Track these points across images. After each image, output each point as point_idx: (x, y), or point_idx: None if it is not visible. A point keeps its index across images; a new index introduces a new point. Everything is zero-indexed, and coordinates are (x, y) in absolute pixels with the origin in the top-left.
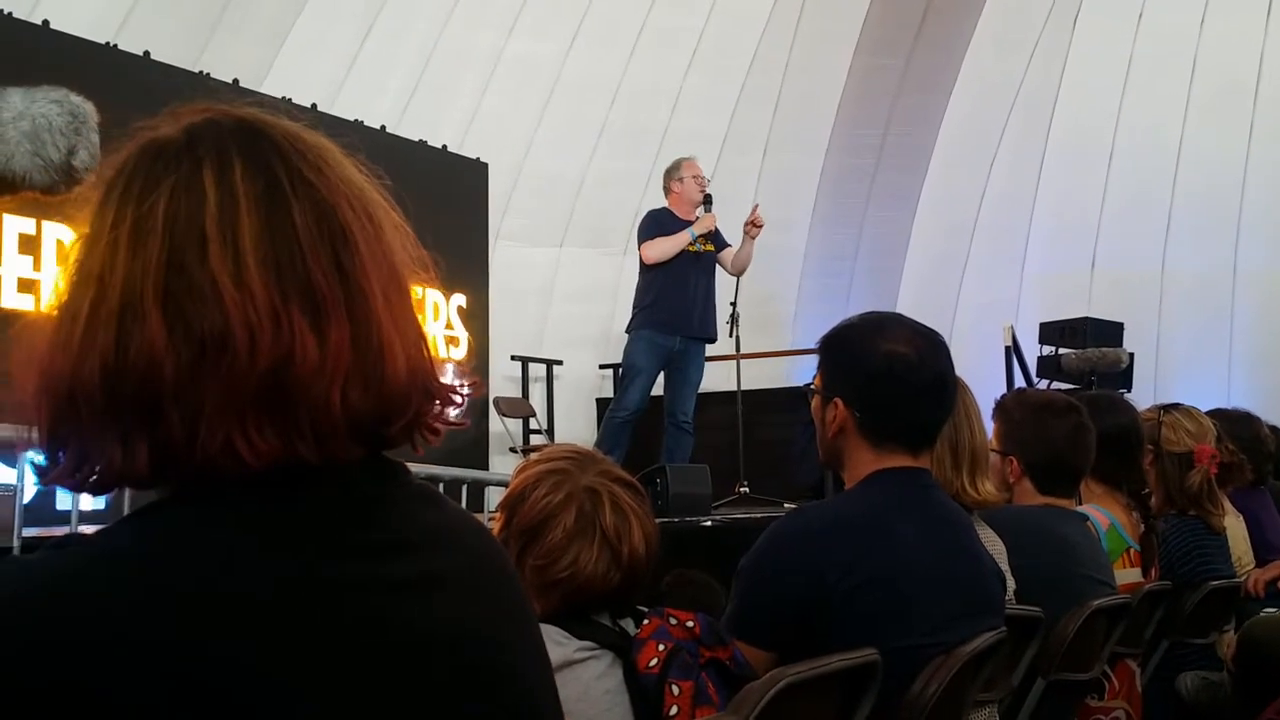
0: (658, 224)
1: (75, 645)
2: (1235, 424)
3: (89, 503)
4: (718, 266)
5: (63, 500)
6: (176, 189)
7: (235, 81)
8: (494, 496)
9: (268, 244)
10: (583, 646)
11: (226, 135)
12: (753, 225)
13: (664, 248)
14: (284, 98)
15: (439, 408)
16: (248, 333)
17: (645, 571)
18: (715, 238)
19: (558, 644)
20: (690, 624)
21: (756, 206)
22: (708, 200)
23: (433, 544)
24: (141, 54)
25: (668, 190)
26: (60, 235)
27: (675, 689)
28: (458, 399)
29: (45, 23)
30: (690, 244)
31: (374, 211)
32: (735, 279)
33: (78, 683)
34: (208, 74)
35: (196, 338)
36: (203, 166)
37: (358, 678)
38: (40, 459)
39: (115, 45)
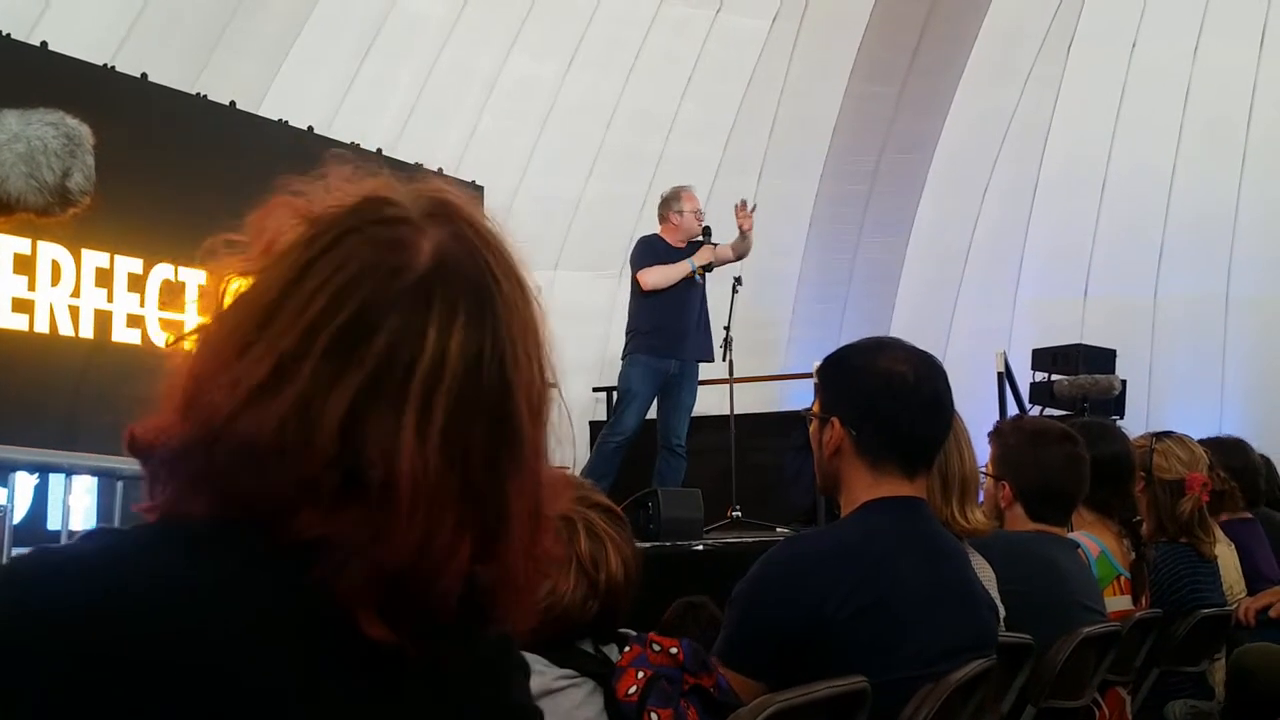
0: (654, 251)
1: (70, 631)
2: (1228, 452)
3: (79, 524)
4: (718, 270)
5: (53, 520)
6: (402, 334)
7: (232, 103)
8: None
9: (455, 421)
10: (563, 675)
11: (462, 283)
12: (741, 225)
13: (666, 275)
14: (280, 120)
15: None
16: (411, 484)
17: (625, 598)
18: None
19: (537, 673)
20: (674, 650)
21: (744, 205)
22: (707, 232)
23: None
24: (139, 75)
25: (664, 219)
26: (56, 256)
27: (654, 717)
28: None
29: (43, 44)
30: (690, 273)
31: (540, 407)
32: (729, 305)
33: (63, 671)
34: (205, 95)
35: (359, 470)
36: (431, 312)
37: (358, 687)
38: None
39: (113, 67)
